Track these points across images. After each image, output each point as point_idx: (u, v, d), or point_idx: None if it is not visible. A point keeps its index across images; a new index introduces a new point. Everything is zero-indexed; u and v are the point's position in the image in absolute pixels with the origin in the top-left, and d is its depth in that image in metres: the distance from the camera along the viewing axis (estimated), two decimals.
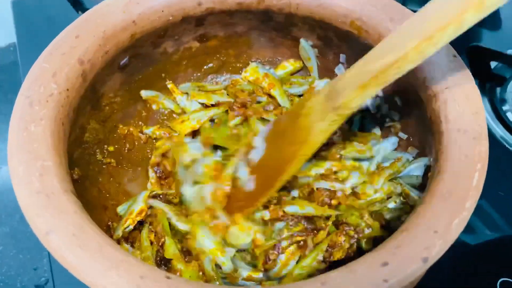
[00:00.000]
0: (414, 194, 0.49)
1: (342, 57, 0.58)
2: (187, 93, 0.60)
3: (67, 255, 0.33)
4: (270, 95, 0.59)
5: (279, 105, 0.59)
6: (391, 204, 0.51)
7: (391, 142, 0.56)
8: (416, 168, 0.51)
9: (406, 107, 0.53)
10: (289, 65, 0.62)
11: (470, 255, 0.55)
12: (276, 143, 0.47)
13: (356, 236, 0.47)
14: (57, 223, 0.34)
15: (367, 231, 0.47)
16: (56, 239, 0.33)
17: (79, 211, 0.36)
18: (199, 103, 0.60)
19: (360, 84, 0.36)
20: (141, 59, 0.54)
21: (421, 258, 0.32)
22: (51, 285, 0.58)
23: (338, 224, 0.48)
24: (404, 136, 0.55)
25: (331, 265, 0.46)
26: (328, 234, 0.47)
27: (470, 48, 0.69)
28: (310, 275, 0.45)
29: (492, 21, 0.81)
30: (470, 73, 0.44)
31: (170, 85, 0.60)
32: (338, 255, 0.46)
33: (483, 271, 0.55)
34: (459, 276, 0.55)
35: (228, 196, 0.49)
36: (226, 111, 0.59)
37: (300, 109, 0.44)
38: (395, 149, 0.56)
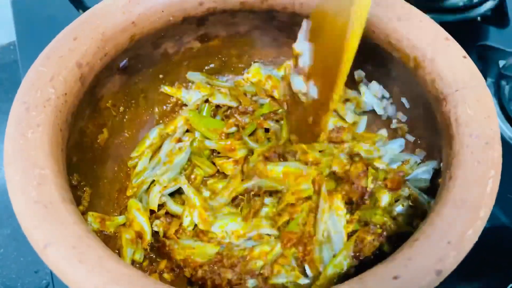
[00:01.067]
0: (422, 197, 0.48)
1: None
2: (191, 82, 0.60)
3: (66, 269, 0.31)
4: (272, 97, 0.58)
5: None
6: (399, 208, 0.49)
7: (398, 144, 0.55)
8: (424, 172, 0.50)
9: (414, 109, 0.52)
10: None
11: (478, 260, 0.54)
12: (321, 36, 0.41)
13: (385, 233, 0.46)
14: (56, 235, 0.33)
15: (393, 227, 0.46)
16: (54, 252, 0.32)
17: (79, 221, 0.35)
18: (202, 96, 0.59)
19: None
20: (141, 60, 0.53)
21: (434, 271, 0.31)
22: None
23: (364, 223, 0.48)
24: (411, 138, 0.54)
25: (362, 261, 0.46)
26: (353, 232, 0.48)
27: (478, 47, 0.68)
28: (345, 274, 0.44)
29: (500, 19, 0.79)
30: (481, 75, 0.43)
31: (168, 89, 0.59)
32: (368, 252, 0.45)
33: (492, 276, 0.54)
34: (467, 281, 0.53)
35: (295, 124, 0.46)
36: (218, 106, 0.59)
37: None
38: (402, 151, 0.55)
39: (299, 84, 0.45)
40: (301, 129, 0.47)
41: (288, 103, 0.49)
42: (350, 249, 0.45)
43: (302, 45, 0.44)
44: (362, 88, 0.57)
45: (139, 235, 0.49)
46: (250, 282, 0.46)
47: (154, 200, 0.51)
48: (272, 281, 0.46)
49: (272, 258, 0.47)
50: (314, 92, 0.43)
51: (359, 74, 0.56)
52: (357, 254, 0.45)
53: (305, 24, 0.44)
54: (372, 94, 0.56)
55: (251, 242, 0.49)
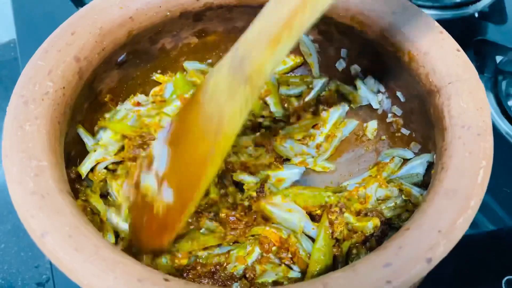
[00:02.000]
0: (415, 192, 0.48)
1: (343, 52, 0.57)
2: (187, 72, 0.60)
3: (63, 257, 0.32)
4: (263, 100, 0.58)
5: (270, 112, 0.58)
6: (390, 202, 0.49)
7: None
8: (418, 165, 0.50)
9: (408, 103, 0.52)
10: (289, 61, 0.61)
11: (474, 253, 0.55)
12: (182, 143, 0.38)
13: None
14: (53, 224, 0.33)
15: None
16: (51, 241, 0.33)
17: (75, 212, 0.35)
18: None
19: (270, 39, 0.29)
20: (138, 55, 0.54)
21: (425, 259, 0.32)
22: (52, 283, 0.57)
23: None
24: (406, 132, 0.54)
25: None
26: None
27: (476, 42, 0.68)
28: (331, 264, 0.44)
29: (498, 15, 0.79)
30: (474, 68, 0.43)
31: (160, 76, 0.58)
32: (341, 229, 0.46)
33: (487, 269, 0.54)
34: (462, 274, 0.54)
35: (140, 222, 0.41)
36: None
37: (201, 93, 0.36)
38: (393, 147, 0.55)
39: (151, 182, 0.40)
40: (144, 232, 0.42)
41: (133, 206, 0.43)
42: (327, 228, 0.45)
43: (160, 148, 0.40)
44: (358, 83, 0.57)
45: None
46: (235, 285, 0.44)
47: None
48: (261, 280, 0.44)
49: (252, 260, 0.45)
50: (168, 195, 0.38)
51: (355, 69, 0.57)
52: (335, 235, 0.45)
53: (167, 126, 0.42)
54: (368, 89, 0.56)
55: (225, 248, 0.47)
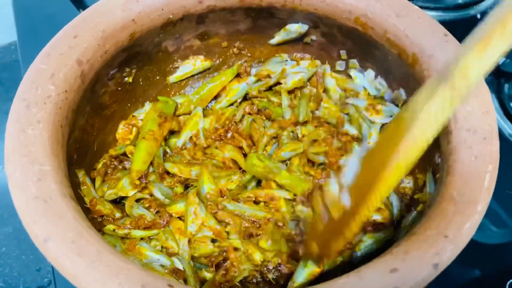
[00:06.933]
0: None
1: (346, 54, 0.57)
2: None
3: (65, 263, 0.32)
4: None
5: None
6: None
7: None
8: None
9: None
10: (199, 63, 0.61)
11: (477, 256, 0.54)
12: (372, 160, 0.36)
13: None
14: (56, 230, 0.33)
15: None
16: (54, 247, 0.32)
17: (78, 217, 0.35)
18: None
19: (479, 41, 0.27)
20: (141, 58, 0.53)
21: (431, 264, 0.31)
22: (53, 287, 0.57)
23: None
24: None
25: None
26: None
27: None
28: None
29: None
30: None
31: None
32: None
33: (490, 272, 0.54)
34: (465, 277, 0.53)
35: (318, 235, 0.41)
36: None
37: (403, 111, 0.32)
38: None
39: (334, 188, 0.39)
40: (322, 240, 0.42)
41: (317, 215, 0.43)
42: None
43: (354, 163, 0.38)
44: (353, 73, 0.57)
45: None
46: None
47: None
48: None
49: None
50: (347, 201, 0.37)
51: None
52: None
53: (365, 146, 0.43)
54: (366, 80, 0.56)
55: None
